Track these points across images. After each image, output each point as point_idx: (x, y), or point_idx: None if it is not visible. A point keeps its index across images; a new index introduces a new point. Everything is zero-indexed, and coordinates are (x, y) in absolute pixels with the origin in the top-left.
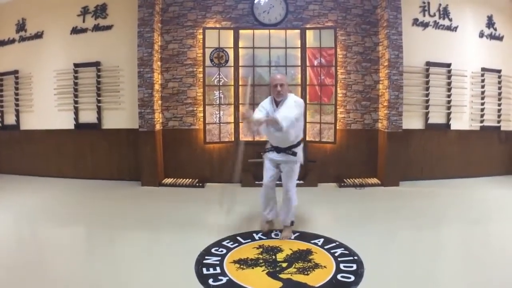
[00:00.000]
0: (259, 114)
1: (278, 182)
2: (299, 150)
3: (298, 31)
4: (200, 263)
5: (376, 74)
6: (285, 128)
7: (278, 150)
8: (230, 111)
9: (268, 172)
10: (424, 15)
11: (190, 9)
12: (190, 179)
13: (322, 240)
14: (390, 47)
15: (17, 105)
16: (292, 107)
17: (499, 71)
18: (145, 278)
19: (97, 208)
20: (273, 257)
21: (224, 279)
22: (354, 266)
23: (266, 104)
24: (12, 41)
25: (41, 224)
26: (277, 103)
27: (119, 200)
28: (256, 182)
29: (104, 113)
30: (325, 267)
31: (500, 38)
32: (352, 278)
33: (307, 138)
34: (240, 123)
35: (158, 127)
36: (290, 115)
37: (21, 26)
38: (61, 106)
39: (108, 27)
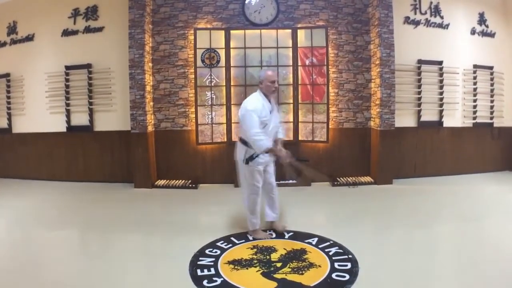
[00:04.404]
0: (261, 133)
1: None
2: None
3: (290, 30)
4: (194, 264)
5: (368, 72)
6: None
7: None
8: (222, 111)
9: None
10: (415, 13)
11: (181, 10)
12: (183, 180)
13: (316, 239)
14: (381, 46)
15: (9, 108)
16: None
17: (491, 67)
18: (139, 280)
19: (90, 211)
20: (268, 257)
21: (219, 280)
22: (349, 265)
23: (259, 104)
24: (3, 44)
25: (34, 227)
26: (268, 99)
27: (112, 202)
28: None
29: (96, 115)
30: (319, 266)
31: (492, 35)
32: (347, 276)
33: (300, 138)
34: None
35: (150, 128)
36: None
37: (12, 29)
38: (53, 108)
39: (99, 29)
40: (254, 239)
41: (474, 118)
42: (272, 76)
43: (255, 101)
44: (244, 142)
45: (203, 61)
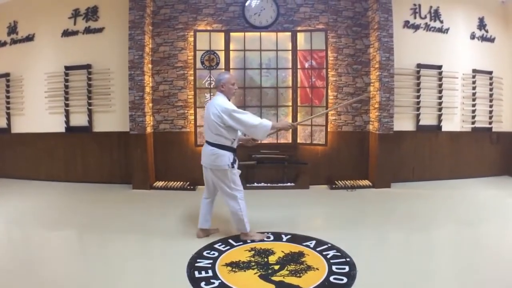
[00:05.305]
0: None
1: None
2: None
3: (289, 33)
4: (192, 266)
5: (367, 76)
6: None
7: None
8: None
9: None
10: (415, 17)
11: (181, 12)
12: (181, 182)
13: (314, 242)
14: (381, 49)
15: (8, 108)
16: None
17: (490, 72)
18: (137, 281)
19: (88, 212)
20: (265, 259)
21: (216, 282)
22: (347, 268)
23: (232, 105)
24: (3, 44)
25: (33, 227)
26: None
27: (110, 203)
28: (247, 185)
29: (95, 116)
30: (317, 269)
31: (491, 40)
32: (345, 280)
33: (298, 141)
34: None
35: (149, 130)
36: None
37: (12, 29)
38: (52, 109)
39: (99, 30)
40: (252, 241)
41: (473, 123)
42: (233, 78)
43: (228, 102)
44: (225, 147)
45: (202, 63)
